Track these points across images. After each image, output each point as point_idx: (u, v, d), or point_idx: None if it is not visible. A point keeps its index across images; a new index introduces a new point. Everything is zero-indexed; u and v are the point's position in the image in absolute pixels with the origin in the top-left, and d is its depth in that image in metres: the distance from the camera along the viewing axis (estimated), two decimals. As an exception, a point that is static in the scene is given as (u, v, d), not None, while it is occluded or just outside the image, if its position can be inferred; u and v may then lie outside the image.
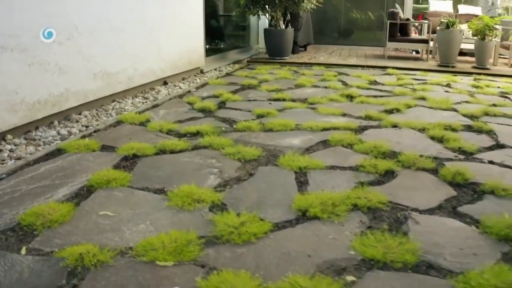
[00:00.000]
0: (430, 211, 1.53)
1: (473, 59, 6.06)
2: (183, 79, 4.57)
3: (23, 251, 1.27)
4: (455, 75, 5.12)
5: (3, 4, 2.32)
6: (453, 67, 5.86)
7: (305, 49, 7.68)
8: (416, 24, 7.91)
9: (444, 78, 4.89)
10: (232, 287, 1.04)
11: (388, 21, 6.59)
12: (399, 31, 6.86)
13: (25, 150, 2.30)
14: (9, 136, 2.40)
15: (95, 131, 2.53)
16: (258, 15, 6.28)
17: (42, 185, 1.75)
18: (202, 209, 1.51)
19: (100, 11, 3.09)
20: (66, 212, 1.48)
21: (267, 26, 6.55)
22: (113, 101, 3.33)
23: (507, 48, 6.20)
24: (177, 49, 4.35)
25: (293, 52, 6.99)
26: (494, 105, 3.44)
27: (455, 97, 3.76)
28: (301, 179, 1.80)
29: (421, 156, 2.07)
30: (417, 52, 7.56)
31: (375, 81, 4.59)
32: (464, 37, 6.13)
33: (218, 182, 1.76)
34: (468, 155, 2.20)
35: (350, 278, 1.13)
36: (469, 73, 5.34)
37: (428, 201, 1.60)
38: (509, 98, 3.81)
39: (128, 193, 1.66)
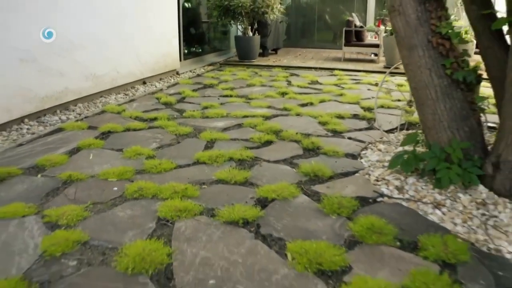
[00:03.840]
0: (275, 162, 2.60)
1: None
2: (160, 79, 5.64)
3: (39, 176, 2.35)
4: (393, 75, 6.14)
5: (23, 29, 3.39)
6: (396, 68, 6.90)
7: (276, 52, 8.75)
8: (375, 30, 8.94)
9: (379, 78, 5.93)
10: (144, 187, 2.11)
11: (344, 28, 7.65)
12: (356, 36, 7.91)
13: (37, 129, 3.38)
14: (26, 120, 3.49)
15: (85, 117, 3.62)
16: (230, 24, 7.35)
17: (49, 147, 2.83)
18: (141, 158, 2.59)
19: (88, 28, 4.15)
20: (64, 159, 2.56)
21: (240, 32, 7.62)
22: (101, 96, 4.41)
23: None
24: (154, 54, 5.42)
25: (263, 55, 8.07)
26: (399, 100, 4.45)
27: (371, 94, 4.80)
28: (209, 145, 2.88)
29: (297, 133, 3.14)
30: (376, 54, 8.60)
31: (317, 81, 5.65)
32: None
33: (156, 146, 2.85)
34: (337, 133, 3.26)
35: (204, 186, 2.20)
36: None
37: (278, 157, 2.68)
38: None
39: (100, 151, 2.75)
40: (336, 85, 5.36)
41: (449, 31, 2.09)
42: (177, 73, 6.11)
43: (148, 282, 1.42)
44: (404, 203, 2.04)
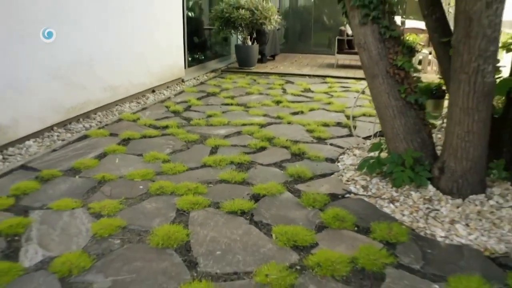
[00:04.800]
0: (268, 165, 3.17)
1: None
2: (168, 87, 6.20)
3: (77, 177, 2.92)
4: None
5: (52, 50, 3.94)
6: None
7: (274, 58, 9.30)
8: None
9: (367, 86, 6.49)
10: (163, 186, 2.68)
11: (337, 37, 8.21)
12: (348, 45, 8.46)
13: (65, 135, 3.95)
14: (55, 128, 4.06)
15: (105, 125, 4.18)
16: (231, 34, 7.91)
17: (80, 152, 3.40)
18: (158, 162, 3.15)
19: (105, 45, 4.72)
20: (94, 163, 3.13)
21: (240, 41, 8.17)
22: (117, 105, 4.98)
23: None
24: (162, 65, 5.98)
25: (262, 61, 8.63)
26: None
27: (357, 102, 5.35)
28: (213, 151, 3.45)
29: (287, 140, 3.71)
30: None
31: (309, 89, 6.21)
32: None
33: (170, 151, 3.42)
34: (321, 140, 3.83)
35: (210, 185, 2.77)
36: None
37: (270, 161, 3.24)
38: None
39: (124, 156, 3.31)
40: (326, 93, 5.93)
41: (404, 63, 2.65)
42: (182, 81, 6.67)
43: (173, 253, 1.99)
44: (366, 199, 2.61)
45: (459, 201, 2.59)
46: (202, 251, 2.02)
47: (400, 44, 2.70)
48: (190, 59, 7.47)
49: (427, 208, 2.54)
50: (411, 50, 2.87)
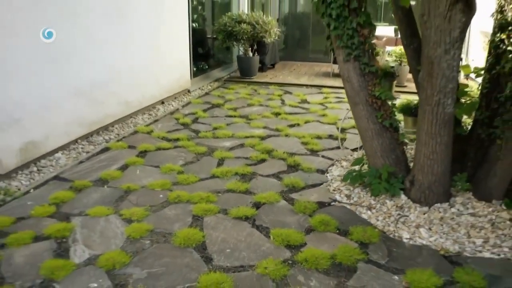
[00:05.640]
0: (267, 176, 3.70)
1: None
2: (175, 98, 6.73)
3: (105, 187, 3.45)
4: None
5: (76, 71, 4.46)
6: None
7: (273, 67, 9.83)
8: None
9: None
10: (180, 195, 3.20)
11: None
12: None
13: (88, 147, 4.48)
14: (79, 140, 4.59)
15: (123, 137, 4.71)
16: (233, 46, 8.43)
17: (104, 164, 3.93)
18: (174, 173, 3.68)
19: (121, 64, 5.24)
20: (119, 174, 3.66)
21: (241, 52, 8.69)
22: (131, 117, 5.51)
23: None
24: (170, 78, 6.51)
25: (262, 70, 9.15)
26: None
27: (348, 114, 5.88)
28: (220, 163, 3.98)
29: (284, 152, 4.23)
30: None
31: (306, 99, 6.73)
32: (386, 60, 8.26)
33: (182, 163, 3.95)
34: (314, 152, 4.35)
35: (219, 194, 3.30)
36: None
37: (269, 172, 3.77)
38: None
39: (143, 167, 3.84)
40: (321, 104, 6.45)
41: (380, 93, 3.17)
42: (189, 91, 7.19)
43: (193, 251, 2.53)
44: (348, 206, 3.14)
45: (425, 208, 3.12)
46: (215, 249, 2.56)
47: (377, 77, 3.22)
48: (195, 69, 7.99)
49: (398, 214, 3.07)
50: (392, 75, 3.40)
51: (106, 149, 4.33)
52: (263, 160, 4.05)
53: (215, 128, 5.07)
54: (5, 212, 3.05)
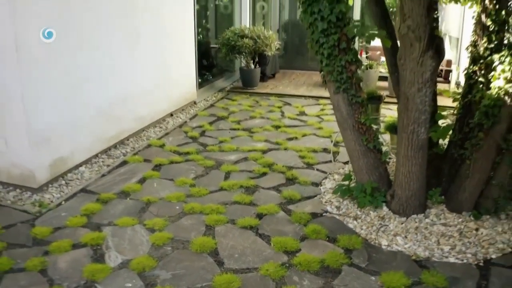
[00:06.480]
0: (268, 189, 4.23)
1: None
2: (183, 110, 7.26)
3: (128, 199, 3.98)
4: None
5: (95, 92, 4.98)
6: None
7: (274, 76, 10.35)
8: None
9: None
10: (194, 207, 3.74)
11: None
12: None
13: (108, 161, 5.01)
14: (99, 155, 5.12)
15: (138, 151, 5.24)
16: (236, 58, 8.96)
17: (124, 177, 4.46)
18: (187, 186, 4.22)
19: (135, 83, 5.77)
20: (138, 187, 4.20)
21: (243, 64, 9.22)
22: (143, 131, 6.04)
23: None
24: (178, 92, 7.04)
25: (263, 80, 9.67)
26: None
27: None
28: (227, 176, 4.52)
29: (283, 166, 4.76)
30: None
31: (304, 112, 7.26)
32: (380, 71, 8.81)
33: (193, 176, 4.49)
34: (310, 165, 4.88)
35: (227, 206, 3.83)
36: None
37: (270, 185, 4.31)
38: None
39: (160, 181, 4.38)
40: (318, 116, 6.97)
41: (366, 120, 3.70)
42: (195, 103, 7.71)
43: (207, 256, 3.08)
44: (337, 217, 3.68)
45: (403, 219, 3.65)
46: (225, 254, 3.10)
47: (363, 106, 3.74)
48: (200, 80, 8.51)
49: (380, 224, 3.60)
50: (379, 98, 3.92)
51: (124, 163, 4.86)
52: (264, 174, 4.58)
53: (221, 142, 5.59)
54: (43, 223, 3.59)
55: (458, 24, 8.82)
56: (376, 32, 3.36)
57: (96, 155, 5.09)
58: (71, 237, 3.34)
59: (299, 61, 12.38)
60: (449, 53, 9.68)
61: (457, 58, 9.01)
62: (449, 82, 8.52)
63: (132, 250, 3.16)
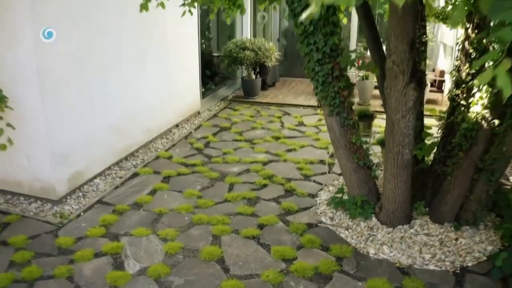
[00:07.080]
0: (268, 200, 4.63)
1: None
2: (187, 120, 7.66)
3: (141, 210, 4.38)
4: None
5: (108, 110, 5.38)
6: (368, 105, 8.88)
7: (274, 85, 10.75)
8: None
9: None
10: (201, 218, 4.14)
11: (327, 71, 9.63)
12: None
13: (120, 173, 5.41)
14: (112, 166, 5.52)
15: (148, 163, 5.64)
16: (237, 69, 9.37)
17: (136, 189, 4.86)
18: (194, 198, 4.62)
19: (143, 99, 6.17)
20: (150, 199, 4.60)
21: (245, 74, 9.61)
22: (151, 142, 6.44)
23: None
24: (183, 103, 7.44)
25: (264, 89, 10.07)
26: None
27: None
28: (230, 187, 4.92)
29: (282, 178, 5.16)
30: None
31: (302, 122, 7.65)
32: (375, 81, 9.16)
33: (200, 188, 4.89)
34: (307, 177, 5.28)
35: (231, 217, 4.23)
36: (378, 112, 8.13)
37: (270, 196, 4.71)
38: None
39: (169, 192, 4.78)
40: (315, 126, 7.37)
41: (356, 140, 4.10)
42: (199, 113, 8.11)
43: (215, 263, 3.48)
44: (330, 227, 4.08)
45: (390, 229, 4.06)
46: (231, 262, 3.51)
47: (354, 127, 4.14)
48: (203, 89, 8.91)
49: (369, 234, 4.01)
50: (370, 117, 4.32)
51: (135, 174, 5.27)
52: (265, 185, 4.99)
53: (224, 153, 6.00)
54: (66, 233, 3.99)
55: (453, 33, 9.19)
56: (366, 63, 3.76)
57: (109, 167, 5.49)
58: (93, 247, 3.74)
59: (298, 69, 12.76)
60: (443, 62, 10.10)
61: (452, 66, 9.40)
62: (442, 91, 8.91)
63: (148, 259, 3.56)
